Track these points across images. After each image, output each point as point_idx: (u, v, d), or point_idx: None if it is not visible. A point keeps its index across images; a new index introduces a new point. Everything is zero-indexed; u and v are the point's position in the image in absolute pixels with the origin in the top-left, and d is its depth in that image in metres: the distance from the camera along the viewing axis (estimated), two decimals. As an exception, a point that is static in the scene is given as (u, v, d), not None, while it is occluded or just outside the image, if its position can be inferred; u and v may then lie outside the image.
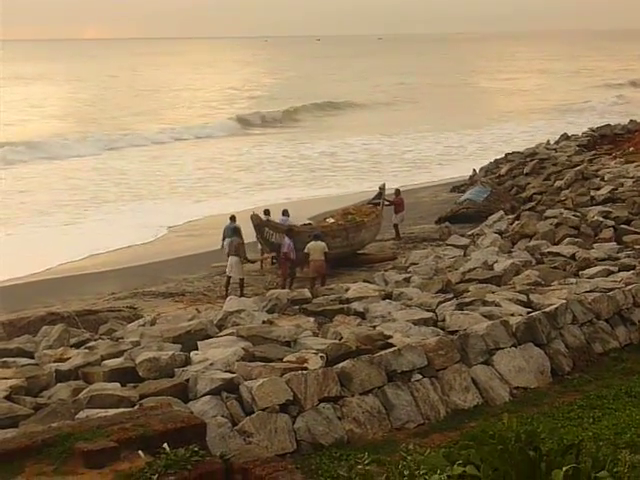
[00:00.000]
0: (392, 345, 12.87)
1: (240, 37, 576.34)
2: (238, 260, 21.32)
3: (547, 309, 14.61)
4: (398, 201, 28.34)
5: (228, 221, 23.00)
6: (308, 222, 26.47)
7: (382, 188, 28.45)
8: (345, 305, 15.89)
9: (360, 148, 53.56)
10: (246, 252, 21.81)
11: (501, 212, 27.47)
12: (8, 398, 11.13)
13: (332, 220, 25.83)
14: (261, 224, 22.67)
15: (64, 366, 12.67)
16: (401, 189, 30.14)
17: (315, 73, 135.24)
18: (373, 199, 28.60)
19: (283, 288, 20.09)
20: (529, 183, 33.62)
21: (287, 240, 21.75)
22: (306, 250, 21.46)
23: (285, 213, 25.28)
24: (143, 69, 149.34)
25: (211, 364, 12.08)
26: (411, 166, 46.61)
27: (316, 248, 21.49)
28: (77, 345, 14.46)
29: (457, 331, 13.72)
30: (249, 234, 22.85)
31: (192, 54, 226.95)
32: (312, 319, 14.87)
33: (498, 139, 56.49)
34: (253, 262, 23.11)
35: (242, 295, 20.14)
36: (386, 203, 27.91)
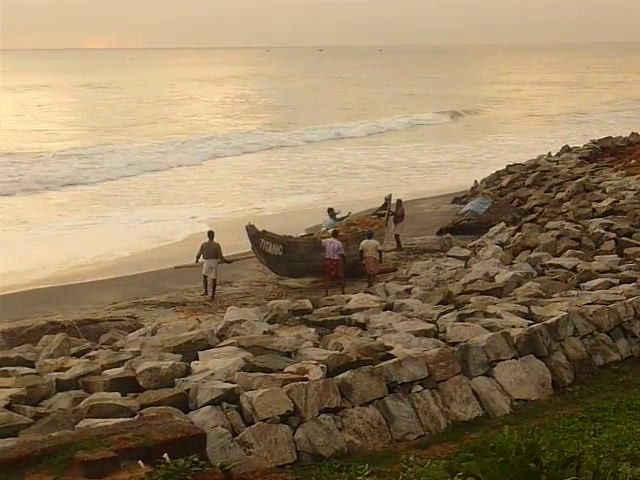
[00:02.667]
0: (393, 356, 12.85)
1: (241, 47, 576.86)
2: (216, 262, 22.67)
3: (548, 321, 14.59)
4: (400, 212, 28.40)
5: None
6: (310, 233, 26.58)
7: (388, 199, 28.57)
8: (346, 316, 15.86)
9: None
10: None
11: (502, 224, 27.45)
12: (8, 407, 11.13)
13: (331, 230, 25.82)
14: (257, 235, 22.71)
15: (64, 375, 12.66)
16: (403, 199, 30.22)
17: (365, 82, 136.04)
18: (379, 210, 28.68)
19: (327, 293, 21.34)
20: (530, 195, 33.62)
21: (336, 243, 22.68)
22: (360, 248, 22.94)
23: (332, 214, 26.39)
24: (195, 80, 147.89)
25: (212, 374, 12.07)
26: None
27: (369, 246, 22.95)
28: (78, 354, 14.46)
29: (458, 342, 13.70)
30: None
31: (218, 66, 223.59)
32: (313, 330, 14.85)
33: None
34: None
35: (213, 296, 22.39)
36: (383, 213, 28.01)
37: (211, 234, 23.27)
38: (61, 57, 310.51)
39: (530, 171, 37.83)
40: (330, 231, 24.59)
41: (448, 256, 23.62)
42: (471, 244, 25.04)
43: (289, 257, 23.05)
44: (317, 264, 23.20)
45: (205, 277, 22.70)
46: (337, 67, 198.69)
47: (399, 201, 29.11)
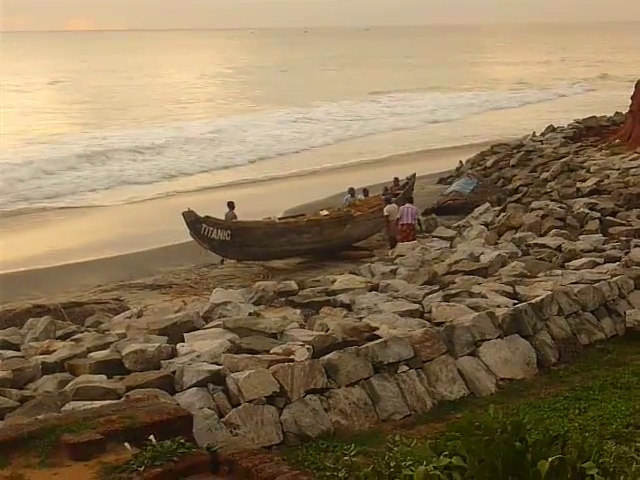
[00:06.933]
0: (378, 337, 12.86)
1: (225, 29, 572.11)
2: None
3: (533, 300, 14.63)
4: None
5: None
6: (301, 213, 26.65)
7: (410, 178, 28.80)
8: (331, 297, 15.85)
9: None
10: None
11: (487, 204, 27.52)
12: (-6, 390, 11.10)
13: (326, 212, 25.84)
14: (197, 221, 22.11)
15: (50, 358, 12.62)
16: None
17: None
18: (398, 188, 28.81)
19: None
20: (515, 175, 33.72)
21: (413, 208, 24.36)
22: (398, 215, 24.56)
23: (351, 193, 27.69)
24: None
25: (198, 356, 12.06)
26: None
27: (409, 213, 24.71)
28: (63, 337, 14.41)
29: (443, 323, 13.72)
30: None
31: (221, 48, 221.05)
32: (298, 311, 14.85)
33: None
34: None
35: (223, 262, 23.53)
36: (398, 193, 28.19)
37: (231, 204, 24.04)
38: (62, 39, 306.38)
39: (515, 151, 37.93)
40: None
41: (433, 236, 23.67)
42: (456, 224, 25.12)
43: (241, 242, 22.71)
44: (274, 249, 23.13)
45: None
46: (358, 48, 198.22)
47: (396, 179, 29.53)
